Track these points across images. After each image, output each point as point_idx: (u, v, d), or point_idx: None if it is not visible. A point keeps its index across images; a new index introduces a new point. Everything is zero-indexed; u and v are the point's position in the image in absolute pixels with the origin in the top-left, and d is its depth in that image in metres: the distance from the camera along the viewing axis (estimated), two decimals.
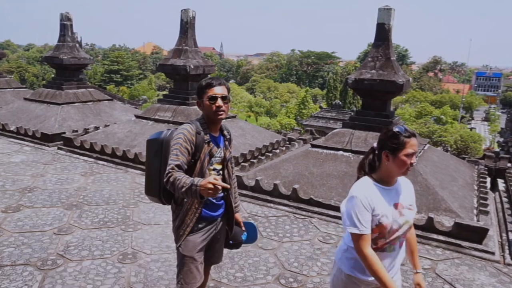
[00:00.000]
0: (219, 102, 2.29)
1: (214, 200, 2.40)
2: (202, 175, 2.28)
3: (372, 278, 1.94)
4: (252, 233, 2.71)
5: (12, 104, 9.63)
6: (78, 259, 3.65)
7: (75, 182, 5.77)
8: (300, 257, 3.88)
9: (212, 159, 2.35)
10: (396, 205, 2.00)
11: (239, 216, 2.69)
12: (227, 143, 2.45)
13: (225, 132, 2.46)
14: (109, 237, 4.11)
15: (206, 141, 2.31)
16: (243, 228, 2.69)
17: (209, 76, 2.50)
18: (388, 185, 2.00)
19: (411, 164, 1.93)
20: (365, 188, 1.95)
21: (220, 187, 1.97)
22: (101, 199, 5.16)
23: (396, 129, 1.93)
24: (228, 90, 2.38)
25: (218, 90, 2.31)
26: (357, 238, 1.90)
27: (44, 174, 6.08)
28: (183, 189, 2.04)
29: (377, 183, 1.98)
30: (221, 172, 2.44)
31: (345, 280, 2.05)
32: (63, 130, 7.97)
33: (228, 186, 2.05)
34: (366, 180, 2.00)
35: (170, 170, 2.14)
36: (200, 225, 2.38)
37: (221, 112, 2.31)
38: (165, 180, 2.15)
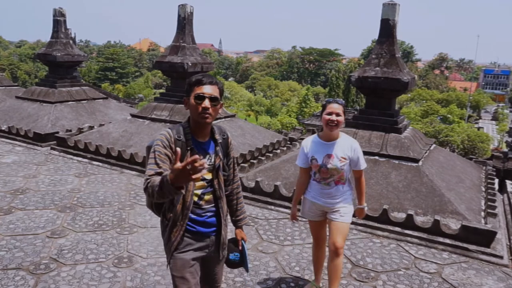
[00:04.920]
0: (206, 103, 2.03)
1: (203, 218, 2.16)
2: (187, 186, 2.04)
3: (311, 197, 3.09)
4: (245, 259, 2.42)
5: (3, 103, 9.53)
6: (72, 263, 3.60)
7: (68, 184, 5.70)
8: (302, 261, 3.83)
9: None
10: (328, 155, 2.96)
11: (240, 233, 2.44)
12: (218, 148, 2.18)
13: (217, 136, 2.19)
14: (104, 241, 4.05)
15: (188, 148, 2.07)
16: (240, 248, 2.42)
17: (207, 73, 2.26)
18: (326, 141, 3.01)
19: (331, 121, 2.89)
20: (307, 140, 3.10)
21: (198, 165, 1.64)
22: (95, 201, 5.09)
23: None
24: (221, 91, 2.14)
25: (208, 90, 2.06)
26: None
27: (37, 175, 6.00)
28: (157, 188, 1.80)
29: (320, 138, 3.04)
30: (210, 182, 2.17)
31: (302, 199, 3.22)
32: (56, 129, 7.87)
33: (197, 157, 1.66)
34: (312, 136, 3.12)
35: (148, 178, 1.92)
36: (187, 242, 2.14)
37: (207, 115, 2.04)
38: (144, 190, 1.94)
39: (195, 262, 2.18)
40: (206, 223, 2.18)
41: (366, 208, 3.22)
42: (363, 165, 3.03)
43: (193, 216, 2.14)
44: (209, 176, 2.16)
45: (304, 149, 3.05)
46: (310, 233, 4.39)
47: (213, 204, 2.20)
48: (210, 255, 2.25)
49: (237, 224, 2.44)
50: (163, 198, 1.89)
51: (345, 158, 2.94)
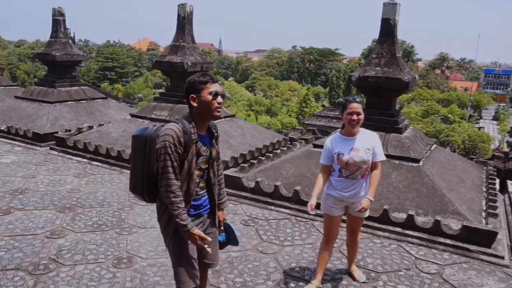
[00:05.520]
0: (220, 99, 2.29)
1: (199, 202, 2.40)
2: (190, 175, 2.28)
3: (337, 193, 3.19)
4: (232, 236, 2.62)
5: (2, 103, 9.49)
6: (71, 264, 3.59)
7: (68, 184, 5.68)
8: (302, 262, 3.81)
9: (200, 158, 2.34)
10: (352, 149, 3.10)
11: (222, 214, 2.64)
12: (214, 141, 2.42)
13: (213, 130, 2.43)
14: (104, 241, 4.03)
15: (194, 141, 2.27)
16: (221, 228, 2.64)
17: (208, 72, 2.46)
18: (348, 136, 3.18)
19: (352, 120, 3.08)
20: (329, 138, 3.27)
21: (205, 237, 2.26)
22: (95, 201, 5.07)
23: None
24: None
25: (219, 88, 2.32)
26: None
27: (36, 175, 5.98)
28: (176, 217, 2.21)
29: (342, 135, 3.21)
30: (206, 171, 2.42)
31: (324, 196, 3.30)
32: (55, 129, 7.84)
33: (209, 251, 2.27)
34: (333, 134, 3.32)
35: (174, 190, 2.20)
36: None
37: (220, 110, 2.32)
38: (164, 191, 2.21)
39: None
40: (201, 205, 2.43)
41: (372, 201, 3.22)
42: (381, 156, 3.18)
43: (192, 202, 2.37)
44: (205, 166, 2.40)
45: (328, 147, 3.20)
46: (310, 233, 4.41)
47: (205, 190, 2.45)
48: (210, 234, 2.48)
49: (219, 207, 2.61)
50: (172, 211, 2.24)
51: (369, 149, 3.12)
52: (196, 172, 2.32)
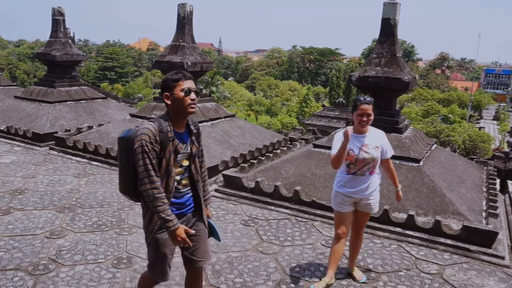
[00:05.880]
0: (194, 95, 2.30)
1: (181, 200, 2.41)
2: (168, 173, 2.30)
3: (345, 190, 3.25)
4: (214, 231, 2.64)
5: (2, 103, 9.48)
6: (71, 264, 3.58)
7: (67, 184, 5.67)
8: (302, 262, 3.81)
9: (179, 156, 2.35)
10: (361, 147, 3.17)
11: (206, 211, 2.64)
12: (193, 138, 2.43)
13: (192, 127, 2.44)
14: (103, 241, 4.03)
15: (170, 139, 2.29)
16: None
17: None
18: (358, 134, 3.23)
19: (362, 121, 3.15)
20: (340, 133, 3.17)
21: (187, 242, 2.28)
22: (94, 202, 5.06)
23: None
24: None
25: (192, 84, 2.32)
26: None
27: (36, 175, 5.97)
28: (161, 213, 2.23)
29: (353, 132, 3.19)
30: (188, 168, 2.43)
31: (334, 193, 3.36)
32: (55, 129, 7.82)
33: (191, 245, 2.29)
34: (344, 129, 3.18)
35: (158, 186, 2.23)
36: None
37: (194, 106, 2.32)
38: (148, 188, 2.23)
39: None
40: (184, 204, 2.43)
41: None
42: (391, 152, 3.33)
43: (173, 199, 2.37)
44: (186, 163, 2.41)
45: (340, 139, 3.20)
46: (310, 233, 4.41)
47: (189, 188, 2.46)
48: (196, 231, 2.49)
49: (204, 203, 2.60)
50: (154, 209, 2.27)
51: (378, 147, 3.22)
52: (177, 170, 2.35)
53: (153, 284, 2.65)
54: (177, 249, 2.55)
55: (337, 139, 3.19)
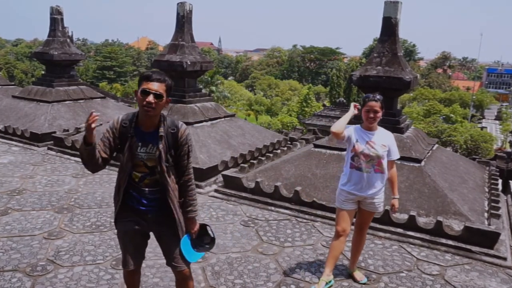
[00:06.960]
0: (150, 98, 2.24)
1: (140, 197, 2.41)
2: (124, 167, 2.38)
3: (349, 187, 3.28)
4: (183, 251, 2.50)
5: (0, 102, 9.45)
6: (69, 265, 3.56)
7: (66, 184, 5.65)
8: (302, 263, 3.79)
9: (142, 154, 2.34)
10: (368, 142, 3.24)
11: (191, 224, 2.55)
12: (164, 141, 2.34)
13: (161, 129, 2.34)
14: (102, 242, 4.01)
15: (129, 135, 2.32)
16: (193, 236, 2.57)
17: (158, 71, 2.43)
18: (367, 130, 3.30)
19: (370, 117, 3.20)
20: (351, 127, 3.32)
21: (91, 119, 2.14)
22: (93, 202, 5.04)
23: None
24: (168, 88, 2.31)
25: (154, 86, 2.26)
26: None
27: (34, 176, 5.95)
28: (79, 147, 2.29)
29: (362, 127, 3.31)
30: (154, 170, 2.38)
31: (338, 191, 3.39)
32: (53, 129, 7.79)
33: (93, 116, 2.14)
34: (357, 125, 3.37)
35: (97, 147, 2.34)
36: (123, 214, 2.45)
37: (149, 109, 2.26)
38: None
39: (131, 235, 2.49)
40: (141, 201, 2.42)
41: (398, 198, 3.49)
42: (396, 154, 3.35)
43: (134, 193, 2.43)
44: (151, 163, 2.37)
45: (352, 130, 3.30)
46: (310, 234, 4.38)
47: (156, 189, 2.42)
48: (149, 232, 2.56)
49: (185, 215, 2.53)
50: (82, 155, 2.31)
51: (385, 146, 3.25)
52: (140, 168, 2.38)
53: (127, 274, 2.66)
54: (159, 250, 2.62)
55: (347, 129, 3.33)
